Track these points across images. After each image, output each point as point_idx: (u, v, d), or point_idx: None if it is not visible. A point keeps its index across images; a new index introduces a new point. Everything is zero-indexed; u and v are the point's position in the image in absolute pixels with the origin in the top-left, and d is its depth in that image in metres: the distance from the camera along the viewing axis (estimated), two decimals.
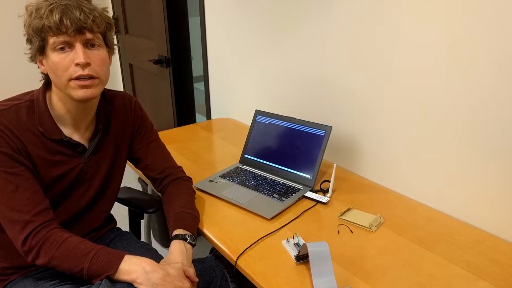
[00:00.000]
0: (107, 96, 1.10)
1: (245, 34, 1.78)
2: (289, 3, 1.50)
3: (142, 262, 0.88)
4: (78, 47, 0.89)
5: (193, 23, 2.36)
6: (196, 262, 1.05)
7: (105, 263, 0.87)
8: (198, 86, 2.63)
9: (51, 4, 0.86)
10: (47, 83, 0.98)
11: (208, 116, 2.26)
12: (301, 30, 1.49)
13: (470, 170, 1.11)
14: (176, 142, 1.73)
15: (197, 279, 0.95)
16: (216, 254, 1.17)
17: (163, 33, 2.29)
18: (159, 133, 1.63)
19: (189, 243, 1.00)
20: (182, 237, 1.00)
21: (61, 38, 0.87)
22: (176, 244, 0.98)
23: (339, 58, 1.38)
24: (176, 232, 1.02)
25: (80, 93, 0.91)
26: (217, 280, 1.07)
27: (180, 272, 0.91)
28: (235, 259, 0.98)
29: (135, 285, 0.86)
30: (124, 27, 2.80)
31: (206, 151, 1.64)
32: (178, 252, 0.97)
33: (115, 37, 1.00)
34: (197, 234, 1.09)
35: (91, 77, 0.91)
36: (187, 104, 2.49)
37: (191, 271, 0.94)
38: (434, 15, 1.08)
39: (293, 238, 1.05)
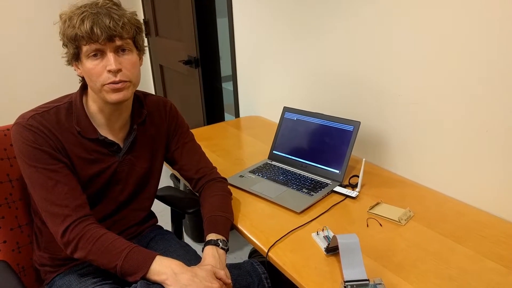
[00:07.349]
0: (143, 98, 1.14)
1: (272, 34, 1.81)
2: (316, 1, 1.52)
3: (172, 264, 0.91)
4: (110, 54, 0.93)
5: (221, 24, 2.41)
6: (232, 267, 1.06)
7: (137, 262, 0.91)
8: (226, 86, 2.68)
9: (82, 13, 0.89)
10: (84, 85, 1.03)
11: (237, 115, 2.30)
12: (329, 28, 1.51)
13: (501, 164, 1.10)
14: (207, 139, 1.78)
15: (229, 281, 0.96)
16: (253, 261, 1.15)
17: (192, 35, 2.35)
18: None
19: (222, 248, 1.02)
20: (215, 243, 1.02)
21: (93, 47, 0.91)
22: (209, 250, 1.01)
23: (367, 54, 1.39)
24: (209, 237, 1.04)
25: (113, 97, 0.96)
26: (254, 285, 1.06)
27: (210, 273, 0.92)
28: (266, 251, 1.02)
29: (165, 286, 0.89)
30: (155, 29, 2.88)
31: (235, 148, 1.68)
32: (210, 257, 0.99)
33: (145, 39, 1.04)
34: (231, 228, 1.11)
35: (123, 81, 0.96)
36: (216, 104, 2.55)
37: (222, 272, 0.95)
38: (466, 13, 1.07)
39: (322, 231, 1.07)
